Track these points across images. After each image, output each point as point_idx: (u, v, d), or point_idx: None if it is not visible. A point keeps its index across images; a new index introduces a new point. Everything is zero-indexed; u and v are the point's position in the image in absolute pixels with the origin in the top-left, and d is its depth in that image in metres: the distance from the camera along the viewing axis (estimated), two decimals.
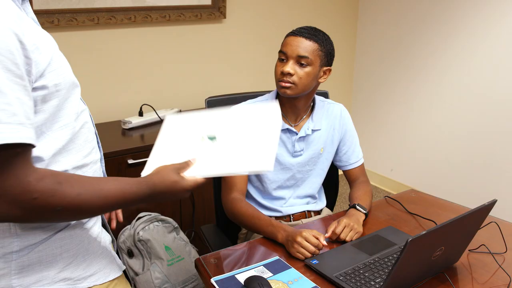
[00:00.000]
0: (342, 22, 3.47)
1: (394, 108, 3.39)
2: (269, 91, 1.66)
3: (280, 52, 1.49)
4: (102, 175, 1.05)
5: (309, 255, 1.28)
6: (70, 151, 0.92)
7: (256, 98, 1.64)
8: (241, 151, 1.10)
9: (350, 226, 1.39)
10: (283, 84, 1.47)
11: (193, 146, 1.11)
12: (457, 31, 2.89)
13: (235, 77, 3.03)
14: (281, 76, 1.47)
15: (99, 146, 1.05)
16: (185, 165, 1.04)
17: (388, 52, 3.36)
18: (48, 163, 0.88)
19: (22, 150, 0.79)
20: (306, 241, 1.29)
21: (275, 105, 1.24)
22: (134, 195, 0.94)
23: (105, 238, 1.05)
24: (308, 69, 1.47)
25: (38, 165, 0.85)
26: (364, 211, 1.49)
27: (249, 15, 2.98)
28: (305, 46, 1.46)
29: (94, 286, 0.98)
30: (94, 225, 1.01)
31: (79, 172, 0.94)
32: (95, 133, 1.04)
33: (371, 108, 3.57)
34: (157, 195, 0.98)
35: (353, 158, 1.69)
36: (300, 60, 1.46)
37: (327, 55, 1.50)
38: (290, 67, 1.46)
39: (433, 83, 3.09)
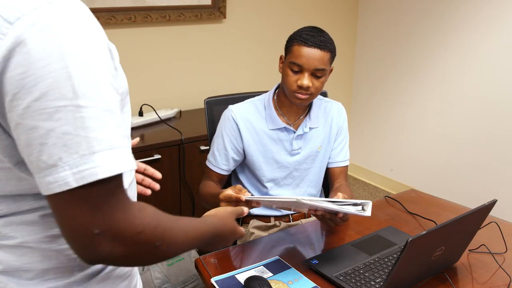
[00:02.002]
0: (342, 22, 3.46)
1: (394, 108, 3.39)
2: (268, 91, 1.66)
3: (293, 63, 1.45)
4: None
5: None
6: None
7: (253, 98, 1.65)
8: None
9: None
10: (301, 96, 1.48)
11: None
12: (457, 31, 2.89)
13: (235, 77, 3.03)
14: (297, 89, 1.47)
15: None
16: (241, 211, 1.08)
17: (388, 52, 3.36)
18: None
19: (122, 179, 0.68)
20: (227, 198, 1.30)
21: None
22: (204, 235, 0.87)
23: None
24: (323, 79, 1.48)
25: None
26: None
27: (249, 15, 2.98)
28: (321, 58, 1.44)
29: None
30: None
31: (129, 190, 0.83)
32: None
33: (371, 108, 3.57)
34: (216, 238, 0.92)
35: (340, 156, 1.68)
36: (316, 73, 1.45)
37: (334, 57, 1.51)
38: (307, 80, 1.45)
39: (433, 83, 3.09)
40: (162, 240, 0.72)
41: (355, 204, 1.23)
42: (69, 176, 0.62)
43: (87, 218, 0.64)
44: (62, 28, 0.62)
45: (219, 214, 0.97)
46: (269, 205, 1.58)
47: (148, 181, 1.17)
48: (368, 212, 1.20)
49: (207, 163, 1.63)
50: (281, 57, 1.55)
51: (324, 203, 1.20)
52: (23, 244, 0.73)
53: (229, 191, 1.30)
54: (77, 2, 0.66)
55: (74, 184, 0.62)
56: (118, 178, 0.67)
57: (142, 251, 0.71)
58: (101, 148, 0.63)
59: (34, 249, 0.74)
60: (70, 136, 0.62)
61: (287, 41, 1.51)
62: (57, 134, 0.61)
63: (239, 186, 1.32)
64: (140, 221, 0.69)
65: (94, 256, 0.67)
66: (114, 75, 0.69)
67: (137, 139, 1.19)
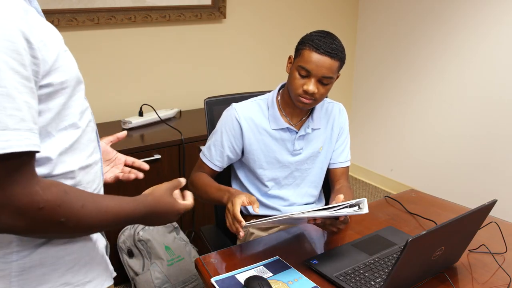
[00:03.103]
0: (342, 22, 3.47)
1: (394, 108, 3.39)
2: (269, 91, 1.66)
3: (301, 67, 1.45)
4: (101, 177, 1.02)
5: (233, 229, 1.31)
6: (75, 150, 0.88)
7: (256, 97, 1.65)
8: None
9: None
10: (305, 100, 1.48)
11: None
12: (457, 31, 2.89)
13: (235, 77, 3.03)
14: (302, 93, 1.47)
15: (98, 146, 1.03)
16: (177, 183, 1.06)
17: (388, 52, 3.36)
18: (55, 163, 0.84)
19: (29, 158, 0.75)
20: (233, 209, 1.31)
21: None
22: (132, 213, 0.92)
23: (102, 242, 1.02)
24: (329, 86, 1.49)
25: (46, 166, 0.82)
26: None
27: (249, 15, 2.98)
28: (330, 67, 1.44)
29: None
30: None
31: (83, 173, 0.91)
32: (96, 132, 1.02)
33: (371, 108, 3.57)
34: (152, 216, 0.96)
35: (342, 157, 1.69)
36: (323, 80, 1.46)
37: (343, 65, 1.52)
38: (314, 86, 1.45)
39: (433, 83, 3.09)
40: (68, 217, 0.78)
41: (351, 205, 1.23)
42: None
43: None
44: None
45: (154, 193, 1.00)
46: (265, 226, 1.61)
47: (133, 172, 1.23)
48: (365, 210, 1.21)
49: (201, 155, 1.64)
50: (289, 57, 1.55)
51: (320, 212, 1.21)
52: None
53: (243, 198, 1.33)
54: None
55: None
56: (22, 156, 0.73)
57: (46, 225, 0.77)
58: None
59: None
60: None
61: (298, 43, 1.51)
62: None
63: (254, 197, 1.34)
64: (41, 198, 0.75)
65: None
66: (25, 64, 0.74)
67: (124, 132, 1.30)
